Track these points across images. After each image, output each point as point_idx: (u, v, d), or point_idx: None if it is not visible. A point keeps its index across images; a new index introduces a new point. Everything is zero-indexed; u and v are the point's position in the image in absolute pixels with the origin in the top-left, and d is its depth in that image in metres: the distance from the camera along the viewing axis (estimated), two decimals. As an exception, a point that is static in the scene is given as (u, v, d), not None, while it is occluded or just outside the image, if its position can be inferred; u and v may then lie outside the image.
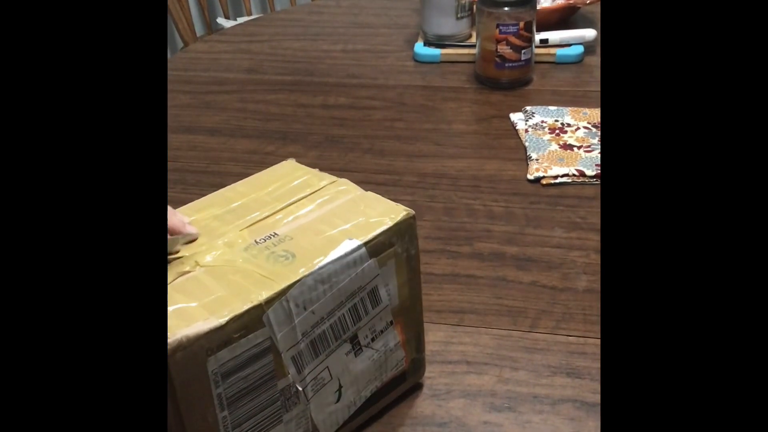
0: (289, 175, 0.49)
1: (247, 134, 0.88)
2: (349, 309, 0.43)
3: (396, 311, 0.46)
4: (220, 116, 0.93)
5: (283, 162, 0.51)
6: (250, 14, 2.15)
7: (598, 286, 0.61)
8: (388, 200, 0.46)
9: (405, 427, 0.50)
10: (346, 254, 0.41)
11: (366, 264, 0.42)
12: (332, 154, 0.83)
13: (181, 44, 2.16)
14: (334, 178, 0.48)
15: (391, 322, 0.46)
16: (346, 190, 0.47)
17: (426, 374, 0.53)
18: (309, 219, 0.44)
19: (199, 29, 2.34)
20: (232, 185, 0.48)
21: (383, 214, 0.44)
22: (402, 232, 0.44)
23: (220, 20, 2.15)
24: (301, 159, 0.82)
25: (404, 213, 0.44)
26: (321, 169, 0.81)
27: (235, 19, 2.13)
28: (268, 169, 0.50)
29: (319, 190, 0.47)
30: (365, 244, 0.42)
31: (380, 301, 0.44)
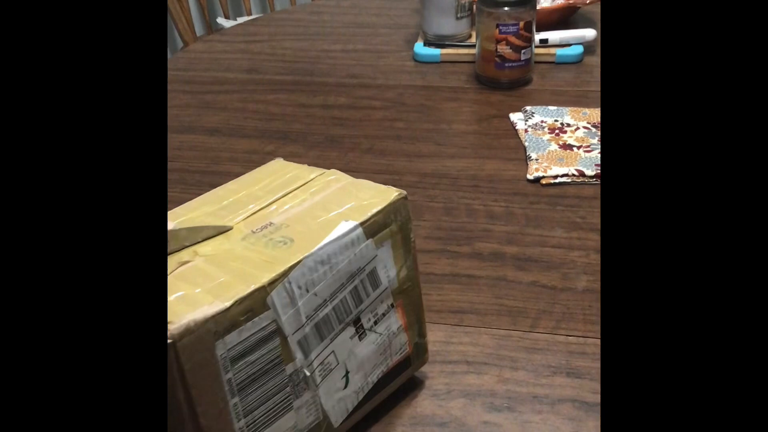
0: (279, 171, 0.49)
1: (247, 134, 0.88)
2: (350, 291, 0.43)
3: (396, 294, 0.46)
4: (220, 116, 0.93)
5: (272, 161, 0.51)
6: (250, 14, 2.15)
7: (598, 286, 0.61)
8: (379, 184, 0.46)
9: (405, 427, 0.50)
10: (344, 235, 0.42)
11: (363, 244, 0.43)
12: (332, 154, 0.83)
13: (181, 44, 2.16)
14: (323, 170, 0.49)
15: (392, 305, 0.46)
16: (336, 179, 0.47)
17: (426, 374, 0.53)
18: (303, 207, 0.44)
19: (199, 29, 2.34)
20: (224, 185, 0.49)
21: (375, 196, 0.45)
22: (396, 212, 0.45)
23: (220, 20, 2.16)
24: (301, 159, 0.82)
25: (396, 194, 0.45)
26: (321, 169, 0.81)
27: (235, 19, 2.13)
28: (257, 168, 0.50)
29: (310, 181, 0.47)
30: (361, 224, 0.43)
31: (380, 282, 0.45)
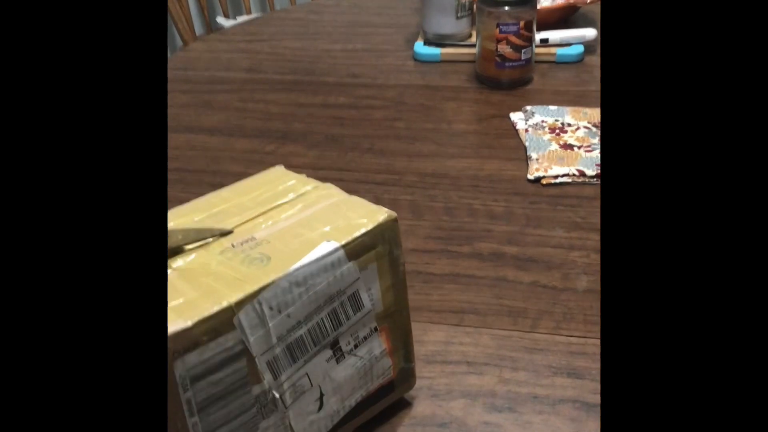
0: (275, 180, 0.48)
1: (247, 134, 0.88)
2: (328, 313, 0.42)
3: (381, 317, 0.45)
4: (220, 116, 0.93)
5: (272, 168, 0.50)
6: (249, 14, 2.15)
7: (598, 286, 0.61)
8: (371, 203, 0.45)
9: (405, 427, 0.49)
10: (323, 256, 0.41)
11: (345, 267, 0.42)
12: (332, 154, 0.83)
13: (180, 44, 2.16)
14: (319, 183, 0.47)
15: (376, 329, 0.45)
16: (329, 194, 0.46)
17: (426, 374, 0.53)
18: (289, 223, 0.43)
19: (198, 29, 2.34)
20: (218, 191, 0.48)
21: (364, 216, 0.43)
22: (384, 234, 0.43)
23: (220, 20, 2.16)
24: (301, 159, 0.82)
25: (386, 215, 0.44)
26: (321, 169, 0.81)
27: (235, 19, 2.13)
28: (256, 175, 0.50)
29: (302, 194, 0.46)
30: (344, 246, 0.41)
31: (362, 306, 0.43)
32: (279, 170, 0.50)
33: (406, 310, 0.47)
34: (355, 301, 0.43)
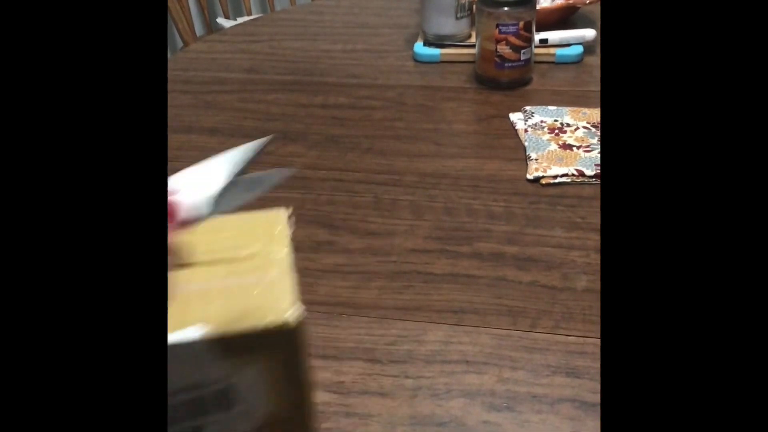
0: (249, 227, 0.43)
1: (247, 134, 0.88)
2: (184, 401, 0.38)
3: (269, 420, 0.40)
4: (220, 116, 0.93)
5: (274, 210, 0.44)
6: (250, 14, 2.15)
7: (597, 286, 0.61)
8: (294, 295, 0.39)
9: (405, 427, 0.50)
10: (182, 344, 0.36)
11: (209, 359, 0.37)
12: (332, 154, 0.83)
13: (181, 44, 2.16)
14: (281, 247, 0.41)
15: (258, 429, 0.40)
16: (270, 263, 0.40)
17: (426, 374, 0.53)
18: (196, 287, 0.39)
19: (198, 29, 2.35)
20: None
21: (267, 311, 0.38)
22: (276, 338, 0.38)
23: (220, 20, 2.16)
24: (301, 159, 0.82)
25: (284, 320, 0.37)
26: (321, 169, 0.81)
27: (235, 19, 2.13)
28: (250, 213, 0.43)
29: (246, 256, 0.41)
30: (215, 338, 0.36)
31: (233, 404, 0.39)
32: (272, 215, 0.44)
33: (305, 416, 0.41)
34: (223, 397, 0.39)
